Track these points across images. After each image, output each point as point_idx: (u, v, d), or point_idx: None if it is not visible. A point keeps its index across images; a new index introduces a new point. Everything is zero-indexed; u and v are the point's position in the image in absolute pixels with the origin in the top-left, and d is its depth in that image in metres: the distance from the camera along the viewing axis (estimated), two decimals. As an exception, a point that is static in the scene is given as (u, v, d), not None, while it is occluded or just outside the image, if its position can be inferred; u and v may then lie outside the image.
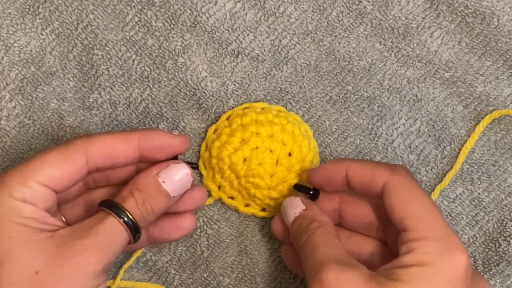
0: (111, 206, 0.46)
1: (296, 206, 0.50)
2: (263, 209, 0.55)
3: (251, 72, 0.58)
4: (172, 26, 0.58)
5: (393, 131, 0.57)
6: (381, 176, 0.47)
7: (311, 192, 0.52)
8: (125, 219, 0.46)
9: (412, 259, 0.44)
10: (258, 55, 0.58)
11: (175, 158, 0.50)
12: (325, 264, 0.44)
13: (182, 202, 0.51)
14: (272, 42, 0.58)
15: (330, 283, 0.43)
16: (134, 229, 0.46)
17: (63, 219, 0.50)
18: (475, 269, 0.47)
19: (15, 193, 0.44)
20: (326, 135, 0.57)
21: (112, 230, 0.45)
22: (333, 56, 0.58)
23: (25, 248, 0.43)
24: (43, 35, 0.57)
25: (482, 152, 0.57)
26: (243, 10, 0.58)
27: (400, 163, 0.57)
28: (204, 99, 0.57)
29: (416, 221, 0.45)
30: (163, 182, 0.48)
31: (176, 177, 0.49)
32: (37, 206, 0.44)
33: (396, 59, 0.58)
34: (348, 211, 0.51)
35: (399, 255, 0.45)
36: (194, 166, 0.51)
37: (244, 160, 0.53)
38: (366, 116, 0.58)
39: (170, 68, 0.57)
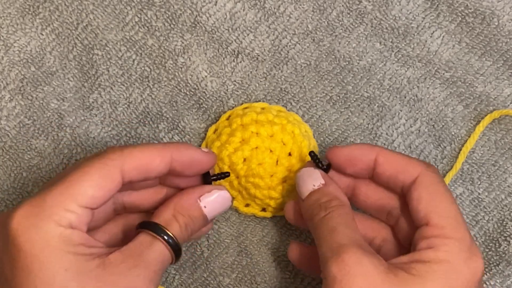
0: (158, 230, 0.45)
1: (316, 179, 0.49)
2: (263, 209, 0.55)
3: (251, 72, 0.58)
4: (172, 26, 0.58)
5: (393, 131, 0.57)
6: (415, 168, 0.47)
7: (322, 166, 0.50)
8: (172, 244, 0.45)
9: (433, 255, 0.44)
10: (258, 55, 0.58)
11: (206, 173, 0.50)
12: (347, 246, 0.44)
13: None
14: (272, 42, 0.58)
15: (352, 267, 0.43)
16: (178, 252, 0.46)
17: None
18: None
19: (61, 220, 0.42)
20: (326, 135, 0.57)
21: (161, 257, 0.45)
22: (333, 56, 0.58)
23: (81, 279, 0.42)
24: (43, 35, 0.57)
25: (482, 152, 0.57)
26: (243, 10, 0.58)
27: (400, 163, 0.57)
28: (204, 99, 0.57)
29: (442, 218, 0.45)
30: (205, 207, 0.48)
31: (218, 204, 0.49)
32: (82, 230, 0.43)
33: (396, 59, 0.58)
34: (363, 189, 0.51)
35: (417, 249, 0.45)
36: (226, 175, 0.52)
37: (244, 160, 0.53)
38: (366, 116, 0.58)
39: (170, 68, 0.57)
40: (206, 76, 0.57)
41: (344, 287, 0.43)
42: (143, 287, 0.43)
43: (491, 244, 0.56)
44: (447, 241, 0.44)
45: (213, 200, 0.48)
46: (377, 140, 0.57)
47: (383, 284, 0.43)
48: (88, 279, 0.42)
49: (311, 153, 0.51)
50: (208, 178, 0.50)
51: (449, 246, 0.44)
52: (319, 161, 0.50)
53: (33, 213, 0.42)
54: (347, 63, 0.58)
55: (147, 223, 0.46)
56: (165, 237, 0.45)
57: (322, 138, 0.57)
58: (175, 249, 0.45)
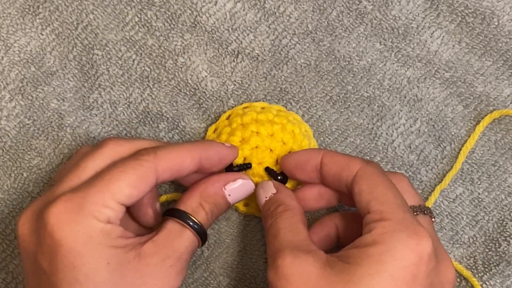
0: (186, 219, 0.47)
1: (268, 190, 0.51)
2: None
3: (251, 72, 0.58)
4: (172, 26, 0.58)
5: (393, 131, 0.57)
6: (355, 164, 0.48)
7: (278, 178, 0.53)
8: (199, 231, 0.47)
9: (369, 238, 0.44)
10: (258, 55, 0.58)
11: (229, 165, 0.52)
12: (282, 250, 0.45)
13: None
14: (272, 42, 0.58)
15: (285, 270, 0.44)
16: (204, 238, 0.48)
17: None
18: (441, 255, 0.46)
19: (101, 216, 0.43)
20: (326, 135, 0.57)
21: (191, 247, 0.47)
22: (333, 56, 0.58)
23: (122, 272, 0.43)
24: (43, 35, 0.57)
25: (482, 152, 0.57)
26: (243, 10, 0.58)
27: (400, 163, 0.57)
28: (204, 99, 0.57)
29: (381, 203, 0.45)
30: (229, 195, 0.50)
31: (242, 192, 0.51)
32: (117, 224, 0.45)
33: (396, 59, 0.58)
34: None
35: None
36: (248, 166, 0.53)
37: (244, 159, 0.53)
38: (366, 116, 0.58)
39: (170, 68, 0.57)
40: (206, 76, 0.57)
41: None
42: (176, 277, 0.45)
43: (491, 244, 0.56)
44: (384, 223, 0.44)
45: (237, 188, 0.50)
46: (377, 140, 0.57)
47: (318, 279, 0.43)
48: (128, 271, 0.44)
49: (266, 168, 0.53)
50: (231, 169, 0.52)
51: (385, 228, 0.44)
52: (274, 173, 0.53)
53: (73, 209, 0.43)
54: (347, 63, 0.58)
55: (174, 211, 0.48)
56: (194, 226, 0.47)
57: (322, 138, 0.57)
58: (203, 237, 0.48)
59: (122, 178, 0.44)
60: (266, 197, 0.51)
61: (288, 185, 0.54)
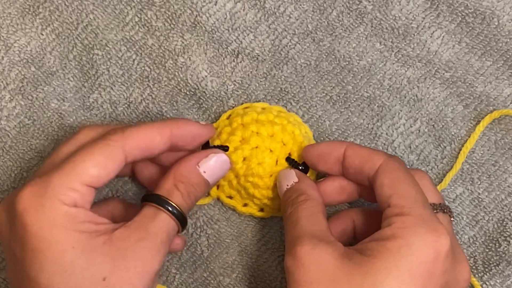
0: (160, 201, 0.46)
1: (290, 179, 0.51)
2: (261, 210, 0.55)
3: (251, 72, 0.58)
4: (172, 26, 0.58)
5: (393, 131, 0.57)
6: (379, 157, 0.48)
7: (300, 168, 0.53)
8: (175, 213, 0.46)
9: (389, 232, 0.44)
10: (258, 55, 0.58)
11: (206, 144, 0.51)
12: (301, 238, 0.45)
13: None
14: (272, 42, 0.58)
15: (303, 258, 0.44)
16: (183, 221, 0.47)
17: None
18: (458, 255, 0.47)
19: (66, 199, 0.43)
20: (326, 135, 0.57)
21: (166, 227, 0.46)
22: (333, 56, 0.58)
23: (89, 256, 0.43)
24: (43, 35, 0.57)
25: (482, 152, 0.57)
26: (243, 10, 0.58)
27: (400, 163, 0.57)
28: (204, 99, 0.57)
29: (402, 198, 0.45)
30: (204, 172, 0.49)
31: (217, 167, 0.50)
32: (86, 208, 0.44)
33: (396, 59, 0.58)
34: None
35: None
36: (225, 149, 0.52)
37: (244, 159, 0.53)
38: (366, 116, 0.58)
39: (170, 68, 0.57)
40: (206, 76, 0.57)
41: (297, 279, 0.44)
42: (152, 258, 0.44)
43: (491, 244, 0.56)
44: (404, 218, 0.44)
45: (212, 165, 0.49)
46: (377, 140, 0.57)
47: (335, 271, 0.43)
48: (96, 256, 0.43)
49: (287, 158, 0.53)
50: (207, 148, 0.51)
51: (405, 222, 0.44)
52: (296, 163, 0.53)
53: (38, 193, 0.43)
54: (347, 63, 0.58)
55: (150, 196, 0.47)
56: (168, 207, 0.46)
57: (322, 138, 0.57)
58: (180, 218, 0.46)
59: (88, 159, 0.44)
60: (287, 185, 0.51)
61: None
